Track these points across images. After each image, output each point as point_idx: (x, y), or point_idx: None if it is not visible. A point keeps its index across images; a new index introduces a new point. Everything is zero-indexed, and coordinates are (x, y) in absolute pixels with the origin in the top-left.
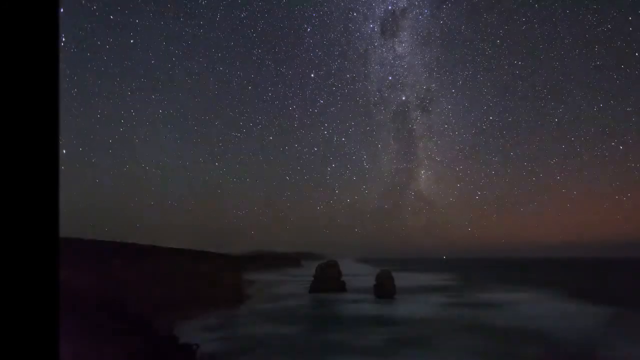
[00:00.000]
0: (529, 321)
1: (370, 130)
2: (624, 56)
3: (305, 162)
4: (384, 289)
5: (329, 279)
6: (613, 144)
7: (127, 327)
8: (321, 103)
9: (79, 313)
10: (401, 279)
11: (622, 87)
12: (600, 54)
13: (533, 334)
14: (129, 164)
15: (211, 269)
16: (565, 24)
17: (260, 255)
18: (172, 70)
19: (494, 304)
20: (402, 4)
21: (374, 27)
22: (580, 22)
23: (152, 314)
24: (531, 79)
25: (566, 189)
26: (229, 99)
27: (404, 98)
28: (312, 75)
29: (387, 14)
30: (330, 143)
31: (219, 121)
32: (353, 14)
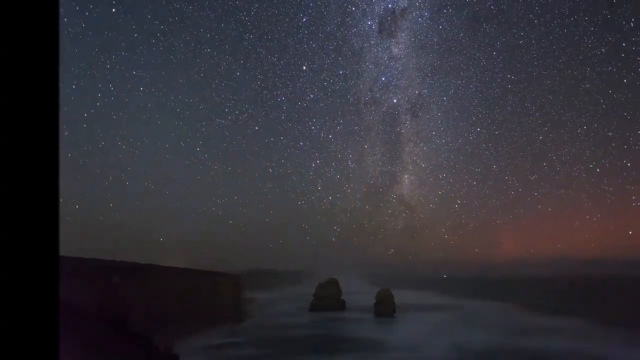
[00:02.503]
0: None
1: (358, 129)
2: (613, 81)
3: (290, 155)
4: (384, 308)
5: (329, 298)
6: (591, 166)
7: (127, 345)
8: (311, 97)
9: (79, 331)
10: (401, 297)
11: (606, 111)
12: (590, 77)
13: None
14: (104, 140)
15: (211, 287)
16: (561, 43)
17: (260, 273)
18: (155, 47)
19: (490, 322)
20: (403, 4)
21: (372, 25)
22: (577, 43)
23: (152, 331)
24: (522, 95)
25: (541, 205)
26: (216, 84)
27: (395, 101)
28: (304, 67)
29: (386, 13)
30: (317, 139)
31: (204, 105)
32: (352, 8)
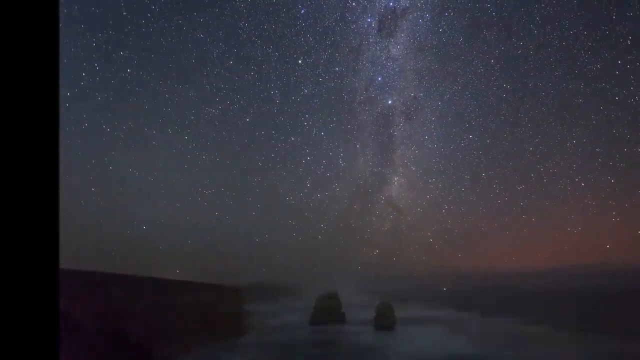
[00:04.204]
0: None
1: (351, 128)
2: (605, 98)
3: (280, 150)
4: (384, 321)
5: (329, 311)
6: (576, 180)
7: (128, 358)
8: (305, 92)
9: (80, 344)
10: (401, 310)
11: (596, 127)
12: (584, 93)
13: None
14: (87, 122)
15: (211, 300)
16: (559, 56)
17: (260, 286)
18: (145, 27)
19: (486, 334)
20: (405, 3)
21: (371, 22)
22: (574, 57)
23: (152, 345)
24: (515, 105)
25: (526, 215)
26: (207, 71)
27: (390, 102)
28: (300, 61)
29: (387, 11)
30: (309, 135)
31: (193, 92)
32: (352, 3)
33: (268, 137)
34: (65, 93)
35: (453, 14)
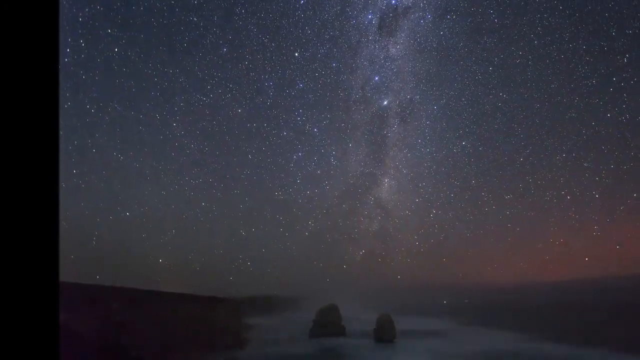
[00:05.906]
0: None
1: (344, 127)
2: (598, 114)
3: (272, 143)
4: (384, 333)
5: (329, 323)
6: (562, 193)
7: None
8: (300, 87)
9: (80, 357)
10: (402, 322)
11: (587, 142)
12: (578, 107)
13: None
14: (70, 101)
15: (210, 313)
16: (556, 68)
17: (260, 299)
18: (135, 5)
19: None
20: (407, 2)
21: (372, 19)
22: (571, 71)
23: (151, 358)
24: (510, 115)
25: (511, 224)
26: (199, 57)
27: (385, 103)
28: (296, 54)
29: (388, 9)
30: (302, 131)
31: (184, 78)
32: None
33: (259, 130)
34: None
35: (455, 17)
